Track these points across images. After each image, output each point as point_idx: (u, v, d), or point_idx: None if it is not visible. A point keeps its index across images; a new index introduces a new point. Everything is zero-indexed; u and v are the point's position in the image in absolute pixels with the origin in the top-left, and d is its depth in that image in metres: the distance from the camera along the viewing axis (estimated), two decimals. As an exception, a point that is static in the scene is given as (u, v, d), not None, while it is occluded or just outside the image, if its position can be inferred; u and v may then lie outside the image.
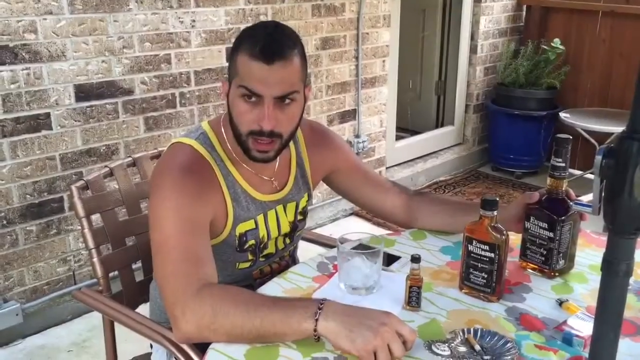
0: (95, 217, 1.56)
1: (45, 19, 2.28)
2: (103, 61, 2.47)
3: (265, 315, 1.09)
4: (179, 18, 2.66)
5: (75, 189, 1.53)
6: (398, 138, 4.20)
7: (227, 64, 2.89)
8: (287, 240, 1.47)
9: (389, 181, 1.64)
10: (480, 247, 1.24)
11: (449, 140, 4.53)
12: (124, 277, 1.61)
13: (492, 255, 1.23)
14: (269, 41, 1.22)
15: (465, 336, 1.11)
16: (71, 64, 2.38)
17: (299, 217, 1.48)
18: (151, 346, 1.53)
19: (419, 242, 1.52)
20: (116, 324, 1.54)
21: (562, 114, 4.03)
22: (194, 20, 2.71)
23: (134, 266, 1.64)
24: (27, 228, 2.41)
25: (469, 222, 1.27)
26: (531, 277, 1.37)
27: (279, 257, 1.49)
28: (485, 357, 1.06)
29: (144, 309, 1.56)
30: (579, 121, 3.89)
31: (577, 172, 4.34)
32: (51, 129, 2.39)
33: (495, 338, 1.10)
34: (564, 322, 1.16)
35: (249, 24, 2.91)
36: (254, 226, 1.36)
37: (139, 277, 1.65)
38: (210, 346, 1.11)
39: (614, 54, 4.14)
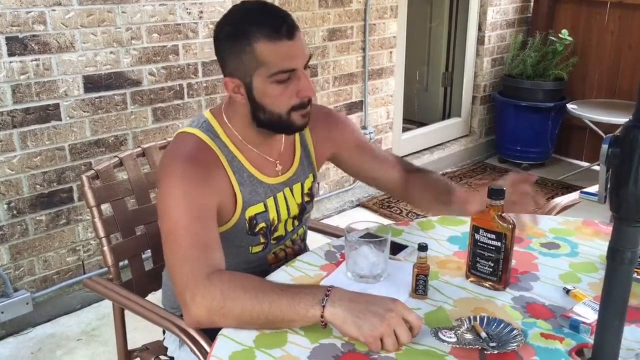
0: (105, 207, 1.58)
1: (54, 10, 2.29)
2: (111, 52, 2.48)
3: (274, 301, 1.11)
4: (187, 9, 2.67)
5: (85, 179, 1.55)
6: (405, 129, 4.20)
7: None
8: (296, 223, 1.49)
9: (394, 156, 1.65)
10: (486, 236, 1.25)
11: (456, 131, 4.53)
12: (133, 266, 1.63)
13: (499, 244, 1.24)
14: (278, 18, 1.23)
15: (472, 323, 1.12)
16: (80, 55, 2.40)
17: (306, 199, 1.49)
18: (164, 332, 1.54)
19: (427, 231, 1.53)
20: (125, 313, 1.57)
21: (570, 106, 4.03)
22: (201, 12, 2.72)
23: (143, 255, 1.66)
24: (37, 218, 2.43)
25: (444, 210, 1.34)
26: (539, 266, 1.37)
27: (291, 241, 1.50)
28: (491, 344, 1.07)
29: (152, 298, 1.58)
30: (587, 112, 3.88)
31: (585, 164, 4.33)
32: (60, 119, 2.40)
33: (502, 325, 1.11)
34: (571, 310, 1.17)
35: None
36: (264, 209, 1.38)
37: (149, 266, 1.67)
38: (220, 332, 1.13)
39: (622, 45, 4.12)
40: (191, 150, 1.29)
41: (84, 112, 2.46)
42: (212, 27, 2.75)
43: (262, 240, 1.41)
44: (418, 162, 4.13)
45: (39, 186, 2.41)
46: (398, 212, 3.62)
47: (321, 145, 1.52)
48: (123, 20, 2.48)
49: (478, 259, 1.27)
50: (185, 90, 2.76)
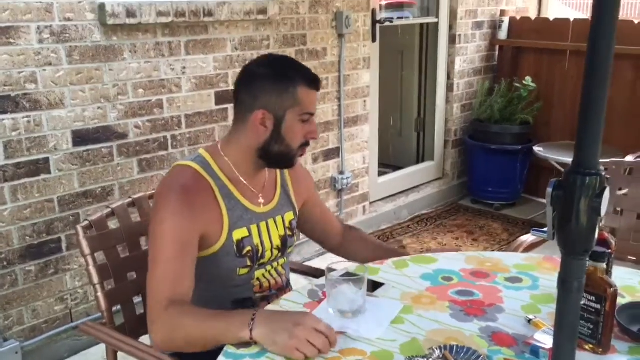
0: (97, 254, 1.67)
1: (44, 69, 2.42)
2: (99, 107, 2.60)
3: (211, 327, 1.31)
4: (171, 65, 2.82)
5: (80, 229, 1.64)
6: (381, 174, 4.35)
7: (217, 107, 3.04)
8: (277, 253, 1.64)
9: (336, 218, 1.96)
10: (587, 297, 1.26)
11: (430, 174, 4.70)
12: (126, 310, 1.72)
13: (599, 306, 1.25)
14: (311, 72, 1.51)
15: (443, 352, 1.23)
16: (69, 111, 2.52)
17: (288, 232, 1.67)
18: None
19: (401, 270, 1.65)
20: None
21: (536, 148, 4.23)
22: (184, 67, 2.87)
23: (135, 300, 1.75)
24: (27, 268, 2.50)
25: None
26: (504, 298, 1.50)
27: (274, 269, 1.65)
28: (461, 370, 1.18)
29: (144, 340, 1.66)
30: (552, 154, 4.08)
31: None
32: (50, 173, 2.50)
33: (469, 353, 1.23)
34: (532, 337, 1.29)
35: (237, 70, 3.08)
36: (248, 234, 1.55)
37: (140, 310, 1.76)
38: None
39: (583, 90, 4.35)
40: (185, 180, 1.48)
41: (73, 165, 2.57)
42: (194, 81, 2.91)
43: (248, 263, 1.56)
44: (394, 205, 4.28)
45: (28, 237, 2.48)
46: (376, 254, 3.73)
47: (298, 189, 1.74)
48: (110, 77, 2.61)
49: None
50: (170, 142, 2.88)
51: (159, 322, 1.37)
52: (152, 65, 2.75)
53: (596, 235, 1.05)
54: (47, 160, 2.49)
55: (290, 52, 3.31)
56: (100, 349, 2.68)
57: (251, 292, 1.60)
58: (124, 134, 2.71)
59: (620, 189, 2.31)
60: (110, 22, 2.53)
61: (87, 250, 1.64)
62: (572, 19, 4.39)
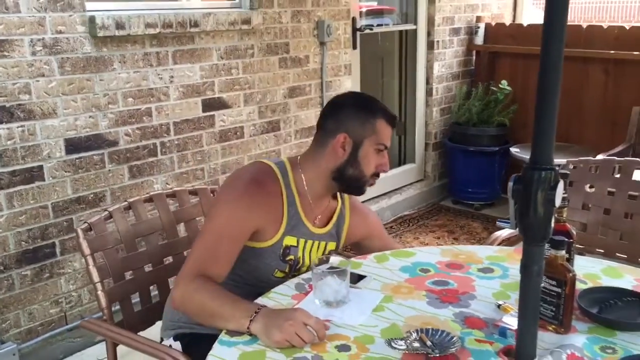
0: (97, 255, 1.77)
1: (38, 80, 2.51)
2: (90, 116, 2.70)
3: (220, 307, 1.43)
4: (159, 75, 2.92)
5: (80, 231, 1.74)
6: (363, 176, 4.46)
7: (204, 114, 3.14)
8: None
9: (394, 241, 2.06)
10: (549, 282, 1.38)
11: (411, 176, 4.83)
12: (124, 308, 1.82)
13: (559, 290, 1.37)
14: (391, 112, 1.70)
15: (419, 335, 1.35)
16: (62, 120, 2.61)
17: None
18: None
19: (382, 263, 1.77)
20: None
21: (513, 149, 4.38)
22: (172, 76, 2.97)
23: (133, 300, 1.85)
24: (23, 273, 2.59)
25: None
26: (476, 287, 1.62)
27: None
28: (435, 350, 1.30)
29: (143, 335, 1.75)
30: (528, 155, 4.22)
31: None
32: (44, 180, 2.59)
33: (443, 335, 1.35)
34: (500, 320, 1.42)
35: (222, 78, 3.18)
36: (296, 244, 1.68)
37: (137, 307, 1.86)
38: (209, 353, 1.33)
39: (557, 92, 4.51)
40: (259, 174, 1.64)
41: (66, 172, 2.66)
42: (181, 90, 3.02)
43: (286, 269, 1.68)
44: (377, 206, 4.40)
45: (24, 243, 2.57)
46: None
47: (355, 225, 1.85)
48: (101, 87, 2.71)
49: (541, 302, 1.35)
50: (159, 148, 2.98)
51: (182, 286, 1.50)
52: (141, 75, 2.85)
53: (552, 224, 1.18)
54: (41, 168, 2.58)
55: (273, 60, 3.43)
56: (95, 350, 2.77)
57: None
58: (114, 141, 2.80)
59: (591, 187, 2.45)
60: (100, 34, 2.63)
61: (87, 251, 1.74)
62: (545, 24, 4.54)
